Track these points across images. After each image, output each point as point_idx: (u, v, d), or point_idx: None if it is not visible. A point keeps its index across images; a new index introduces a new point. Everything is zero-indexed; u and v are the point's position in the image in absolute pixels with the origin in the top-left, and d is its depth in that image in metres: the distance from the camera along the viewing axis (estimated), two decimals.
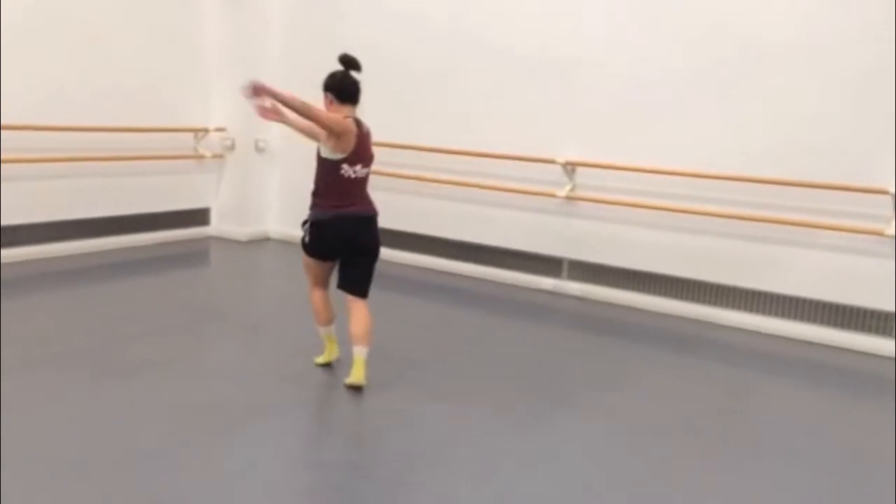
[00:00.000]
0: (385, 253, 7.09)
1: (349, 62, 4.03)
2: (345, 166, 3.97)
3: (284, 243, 7.75)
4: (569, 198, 6.18)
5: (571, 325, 5.78)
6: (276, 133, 7.77)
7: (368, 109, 6.98)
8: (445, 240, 6.89)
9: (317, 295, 4.25)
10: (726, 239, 5.64)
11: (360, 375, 3.98)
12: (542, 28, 6.23)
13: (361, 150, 4.02)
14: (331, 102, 4.00)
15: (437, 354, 4.77)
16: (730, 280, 5.67)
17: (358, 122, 4.01)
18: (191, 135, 7.44)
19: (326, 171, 4.02)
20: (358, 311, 4.08)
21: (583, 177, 6.15)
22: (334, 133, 3.85)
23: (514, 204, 6.48)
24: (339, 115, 3.93)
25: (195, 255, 7.25)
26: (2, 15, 5.92)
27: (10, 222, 6.16)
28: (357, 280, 4.11)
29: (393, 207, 7.13)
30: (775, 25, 5.32)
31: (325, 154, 3.98)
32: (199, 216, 7.72)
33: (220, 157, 7.67)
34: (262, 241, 7.75)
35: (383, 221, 7.09)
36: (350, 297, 4.11)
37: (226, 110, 7.61)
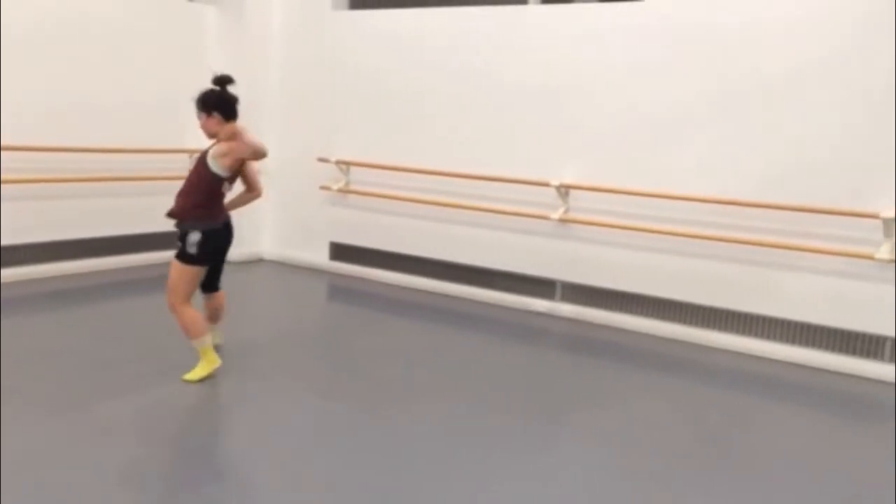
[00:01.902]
0: (378, 274, 7.22)
1: (226, 79, 4.29)
2: (226, 184, 4.26)
3: (278, 264, 7.76)
4: (562, 220, 6.21)
5: (564, 348, 5.78)
6: (271, 156, 7.80)
7: (368, 133, 7.12)
8: (439, 261, 6.90)
9: (191, 309, 4.29)
10: (720, 262, 5.66)
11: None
12: (536, 55, 6.29)
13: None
14: (218, 122, 4.19)
15: (427, 375, 4.76)
16: (724, 303, 5.68)
17: None
18: (186, 156, 7.46)
19: (211, 185, 4.19)
20: (221, 300, 4.67)
21: (576, 200, 6.19)
22: (244, 158, 4.16)
23: (507, 226, 6.51)
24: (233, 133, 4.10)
25: None
26: (0, 37, 5.97)
27: (26, 241, 6.28)
28: (219, 277, 4.61)
29: (387, 229, 7.20)
30: (771, 51, 5.37)
31: (215, 170, 4.16)
32: None
33: None
34: (255, 262, 7.76)
35: (378, 243, 7.24)
36: (214, 294, 4.61)
37: None
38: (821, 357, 5.33)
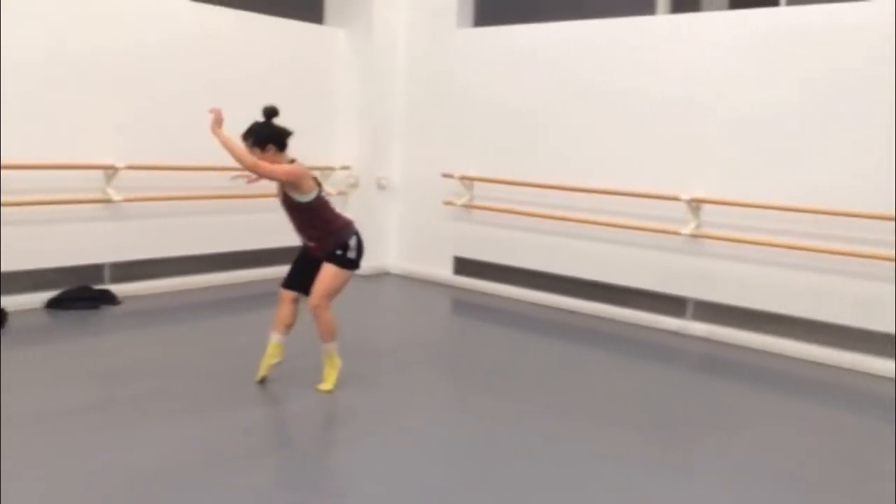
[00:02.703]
0: (501, 289, 7.19)
1: (273, 112, 4.34)
2: (323, 195, 4.38)
3: (403, 278, 7.88)
4: (693, 236, 5.98)
5: (696, 368, 5.55)
6: (397, 172, 7.98)
7: (492, 148, 7.14)
8: (563, 276, 6.80)
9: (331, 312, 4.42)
10: (860, 279, 5.27)
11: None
12: (665, 65, 6.12)
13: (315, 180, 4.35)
14: (274, 153, 4.25)
15: (551, 393, 4.68)
16: (865, 322, 5.28)
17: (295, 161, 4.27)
18: (318, 173, 7.73)
19: (320, 209, 4.34)
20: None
21: (708, 214, 5.95)
22: (293, 183, 4.21)
23: (634, 241, 6.33)
24: (284, 164, 4.22)
25: None
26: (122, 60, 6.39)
27: (161, 255, 6.64)
28: None
29: (510, 244, 7.17)
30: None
31: (309, 199, 4.27)
32: None
33: (344, 194, 7.93)
34: (381, 276, 7.91)
35: (502, 258, 7.23)
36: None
37: (351, 150, 7.91)
38: None
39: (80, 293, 6.02)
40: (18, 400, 4.04)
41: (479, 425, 4.11)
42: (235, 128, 7.25)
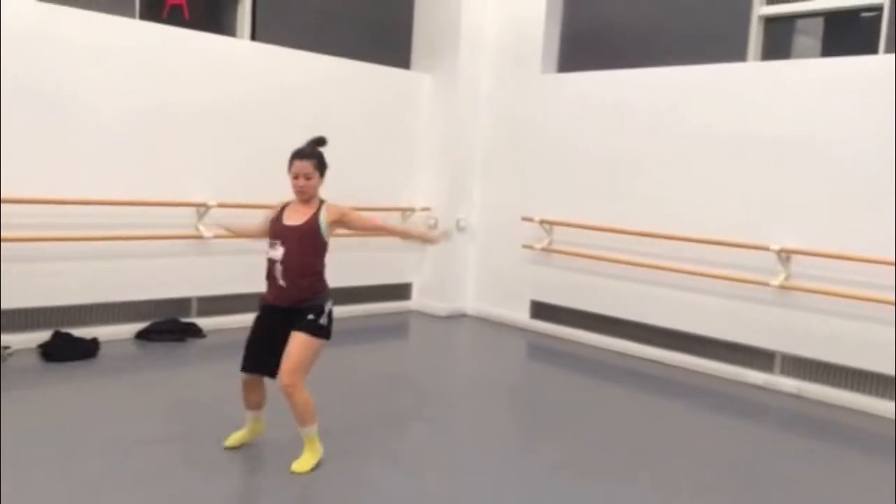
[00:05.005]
0: (579, 334, 7.07)
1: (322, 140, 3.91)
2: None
3: (480, 320, 7.85)
4: (783, 287, 5.75)
5: (784, 426, 5.28)
6: (476, 215, 8.02)
7: (573, 193, 7.10)
8: (644, 324, 6.64)
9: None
10: None
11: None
12: (751, 106, 5.98)
13: None
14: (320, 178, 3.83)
15: (625, 445, 4.53)
16: None
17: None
18: (398, 213, 7.85)
19: (323, 255, 3.84)
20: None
21: (799, 265, 5.72)
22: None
23: (718, 291, 6.14)
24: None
25: (396, 327, 7.52)
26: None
27: (246, 290, 6.73)
28: None
29: (589, 289, 7.07)
30: None
31: (327, 239, 3.84)
32: (401, 291, 8.05)
33: None
34: (459, 318, 7.90)
35: (580, 303, 7.12)
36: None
37: (431, 191, 8.00)
38: None
39: (168, 326, 6.24)
40: (102, 427, 4.21)
41: (544, 475, 4.00)
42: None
